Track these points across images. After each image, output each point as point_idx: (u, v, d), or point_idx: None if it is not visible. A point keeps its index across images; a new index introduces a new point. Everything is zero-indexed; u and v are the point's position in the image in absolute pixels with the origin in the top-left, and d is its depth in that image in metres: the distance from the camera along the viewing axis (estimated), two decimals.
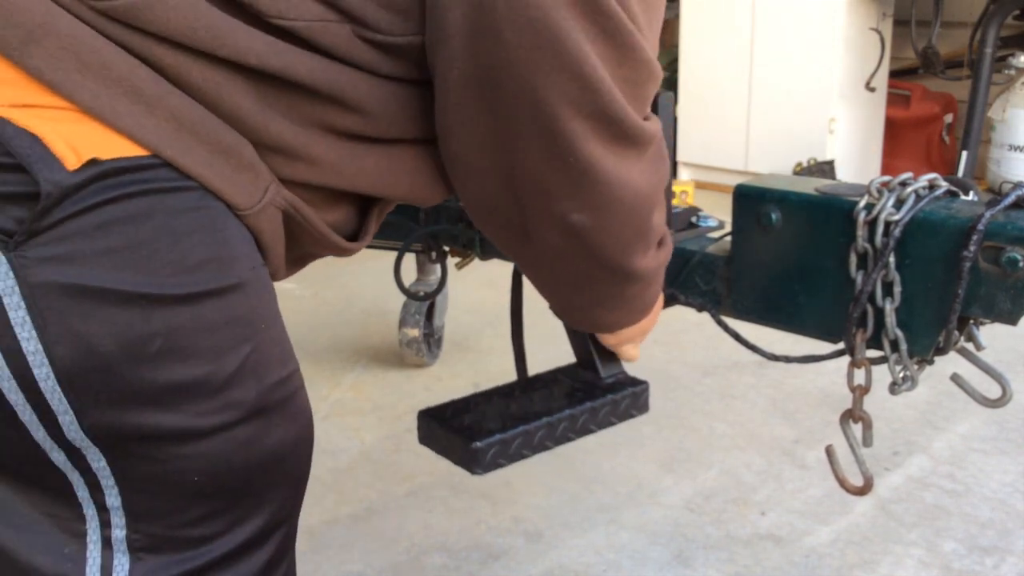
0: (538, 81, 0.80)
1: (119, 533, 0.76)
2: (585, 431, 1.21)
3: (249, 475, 0.79)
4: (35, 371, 0.69)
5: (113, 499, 0.75)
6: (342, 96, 0.80)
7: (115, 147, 0.72)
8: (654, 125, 0.92)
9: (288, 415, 0.82)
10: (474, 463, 1.11)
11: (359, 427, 2.24)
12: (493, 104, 0.83)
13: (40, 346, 0.69)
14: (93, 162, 0.70)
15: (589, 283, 1.02)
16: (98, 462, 0.74)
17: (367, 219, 0.94)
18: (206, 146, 0.75)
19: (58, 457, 0.73)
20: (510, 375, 1.37)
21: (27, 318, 0.68)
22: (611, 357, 1.28)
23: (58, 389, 0.70)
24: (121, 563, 0.76)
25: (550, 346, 1.51)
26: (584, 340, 1.27)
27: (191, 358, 0.73)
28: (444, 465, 1.19)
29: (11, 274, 0.67)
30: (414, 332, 2.47)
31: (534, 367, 1.37)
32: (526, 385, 1.26)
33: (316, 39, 0.78)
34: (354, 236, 0.94)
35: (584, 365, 1.28)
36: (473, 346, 2.66)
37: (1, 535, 0.76)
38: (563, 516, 1.86)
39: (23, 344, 0.68)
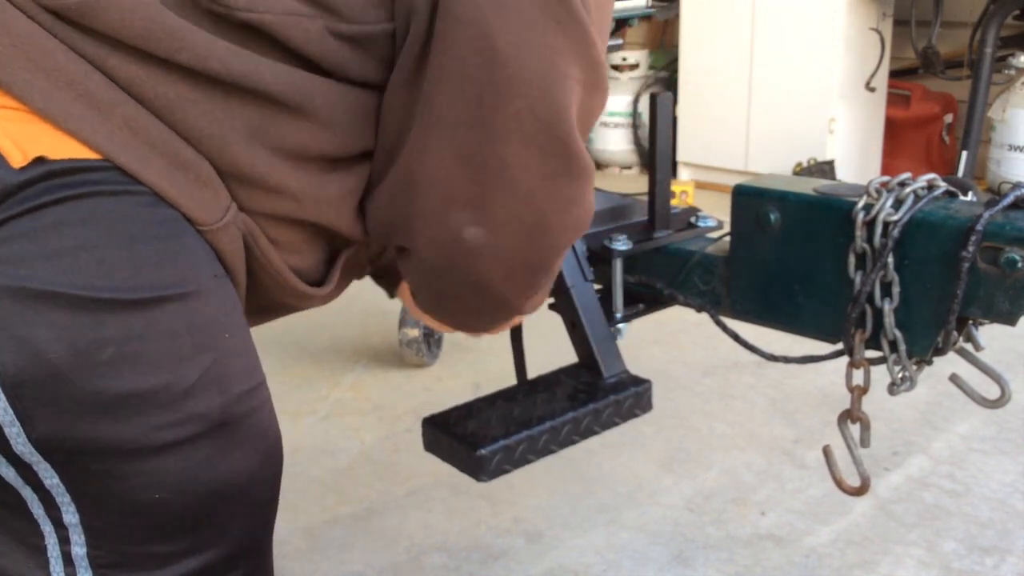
0: (472, 60, 0.74)
1: (79, 551, 0.73)
2: (589, 433, 1.21)
3: (214, 493, 0.75)
4: None
5: (71, 516, 0.72)
6: (308, 105, 0.76)
7: (65, 148, 0.69)
8: (590, 159, 0.83)
9: (254, 431, 0.78)
10: (479, 470, 1.11)
11: (359, 427, 2.24)
12: (429, 88, 0.76)
13: None
14: (40, 160, 0.67)
15: (471, 309, 0.94)
16: (51, 479, 0.70)
17: (333, 267, 0.90)
18: (163, 158, 0.72)
19: (8, 472, 0.70)
20: (510, 374, 1.37)
21: None
22: (614, 357, 1.28)
23: (3, 398, 0.66)
24: None
25: (549, 345, 1.51)
26: (586, 340, 1.27)
27: (147, 366, 0.70)
28: (444, 465, 1.19)
29: None
30: (414, 332, 2.47)
31: (533, 366, 1.37)
32: (529, 388, 1.26)
33: (286, 34, 0.74)
34: (319, 284, 0.89)
35: (586, 365, 1.28)
36: (473, 346, 2.66)
37: None
38: (563, 516, 1.86)
39: None
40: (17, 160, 0.66)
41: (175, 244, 0.72)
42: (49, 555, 0.73)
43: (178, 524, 0.75)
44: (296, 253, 0.84)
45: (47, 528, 0.73)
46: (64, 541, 0.73)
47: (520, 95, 0.75)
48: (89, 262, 0.67)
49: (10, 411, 0.67)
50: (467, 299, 0.91)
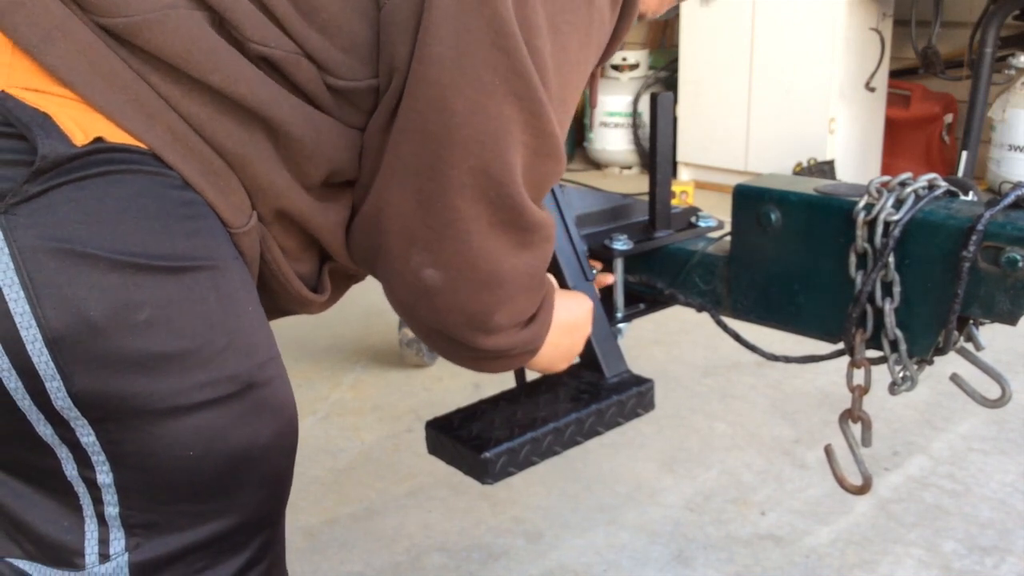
0: (432, 118, 0.80)
1: (112, 511, 0.76)
2: (593, 433, 1.20)
3: (241, 454, 0.79)
4: (22, 332, 0.69)
5: (104, 476, 0.75)
6: (317, 140, 0.82)
7: (119, 137, 0.74)
8: (544, 215, 0.89)
9: (276, 398, 0.82)
10: (484, 473, 1.11)
11: (359, 427, 2.24)
12: (395, 137, 0.82)
13: (28, 307, 0.69)
14: (99, 140, 0.73)
15: (439, 341, 0.98)
16: (87, 436, 0.74)
17: (322, 275, 0.95)
18: (200, 163, 0.78)
19: (45, 430, 0.73)
20: (510, 375, 1.37)
21: (15, 279, 0.69)
22: (616, 356, 1.28)
23: (46, 352, 0.70)
24: (117, 538, 0.77)
25: None
26: (588, 341, 1.27)
27: (181, 328, 0.74)
28: (444, 465, 1.19)
29: (1, 235, 0.69)
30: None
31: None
32: (531, 389, 1.26)
33: (291, 70, 0.80)
34: (314, 289, 0.96)
35: (588, 365, 1.28)
36: None
37: (11, 506, 0.77)
38: (563, 516, 1.86)
39: (11, 305, 0.69)
40: (80, 139, 0.72)
41: (202, 223, 0.78)
42: (84, 515, 0.77)
43: (206, 485, 0.78)
44: (298, 261, 0.90)
45: (81, 489, 0.76)
46: (97, 502, 0.76)
47: (473, 155, 0.81)
48: (126, 230, 0.72)
49: (51, 364, 0.71)
50: (436, 341, 0.96)
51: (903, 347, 1.08)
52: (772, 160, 4.07)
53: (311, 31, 0.80)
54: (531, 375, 1.35)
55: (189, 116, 0.78)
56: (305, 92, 0.81)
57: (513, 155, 0.82)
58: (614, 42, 0.93)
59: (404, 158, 0.82)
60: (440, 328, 0.94)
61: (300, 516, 1.87)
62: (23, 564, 0.77)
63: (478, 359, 0.99)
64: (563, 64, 0.83)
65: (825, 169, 3.91)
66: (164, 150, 0.76)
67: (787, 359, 1.26)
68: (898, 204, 1.05)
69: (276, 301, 0.91)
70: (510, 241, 0.87)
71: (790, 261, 1.16)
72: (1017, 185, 1.01)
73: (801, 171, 3.92)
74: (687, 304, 1.31)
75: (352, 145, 0.86)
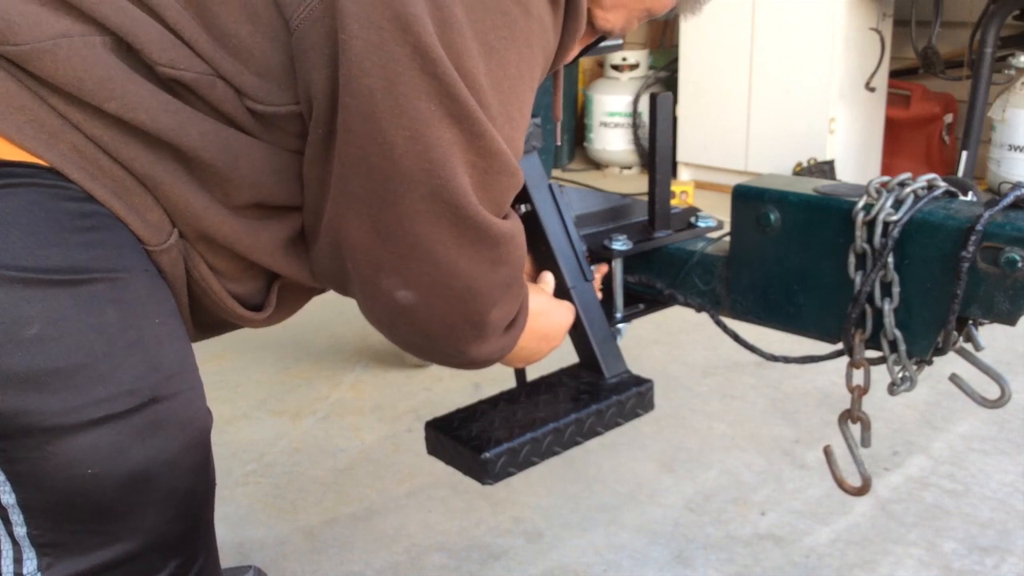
0: (373, 151, 0.78)
1: (20, 531, 0.75)
2: (592, 433, 1.21)
3: (143, 472, 0.77)
4: None
5: (7, 496, 0.74)
6: (233, 165, 0.80)
7: (17, 155, 0.73)
8: (509, 225, 0.88)
9: (183, 413, 0.80)
10: (484, 474, 1.11)
11: (359, 427, 2.24)
12: (339, 171, 0.81)
13: None
14: None
15: (425, 353, 0.98)
16: None
17: (270, 293, 0.94)
18: (110, 181, 0.77)
19: None
20: (510, 375, 1.37)
21: None
22: (615, 357, 1.28)
23: None
24: (29, 558, 0.76)
25: None
26: (587, 341, 1.27)
27: (74, 342, 0.73)
28: (444, 465, 1.19)
29: None
30: None
31: (534, 367, 1.37)
32: (531, 389, 1.26)
33: (204, 92, 0.78)
34: (259, 308, 0.94)
35: (587, 365, 1.28)
36: None
37: None
38: (563, 516, 1.86)
39: None
40: None
41: (104, 234, 0.76)
42: None
43: (109, 504, 0.77)
44: (235, 281, 0.89)
45: None
46: (6, 522, 0.75)
47: (421, 183, 0.79)
48: (14, 243, 0.71)
49: None
50: (423, 348, 0.95)
51: (902, 347, 1.08)
52: (772, 160, 4.07)
53: (223, 54, 0.78)
54: (530, 376, 1.35)
55: (94, 138, 0.76)
56: (223, 113, 0.80)
57: (461, 177, 0.81)
58: (564, 48, 0.91)
59: (353, 191, 0.81)
60: (422, 342, 0.93)
61: (300, 516, 1.87)
62: None
63: (463, 364, 0.98)
64: (502, 80, 0.82)
65: (825, 169, 3.91)
66: (68, 168, 0.74)
67: (787, 359, 1.27)
68: (897, 204, 1.05)
69: (214, 316, 0.90)
70: (479, 256, 0.86)
71: (789, 261, 1.16)
72: (1016, 185, 1.01)
73: (801, 171, 3.92)
74: (686, 304, 1.31)
75: (283, 168, 0.84)
